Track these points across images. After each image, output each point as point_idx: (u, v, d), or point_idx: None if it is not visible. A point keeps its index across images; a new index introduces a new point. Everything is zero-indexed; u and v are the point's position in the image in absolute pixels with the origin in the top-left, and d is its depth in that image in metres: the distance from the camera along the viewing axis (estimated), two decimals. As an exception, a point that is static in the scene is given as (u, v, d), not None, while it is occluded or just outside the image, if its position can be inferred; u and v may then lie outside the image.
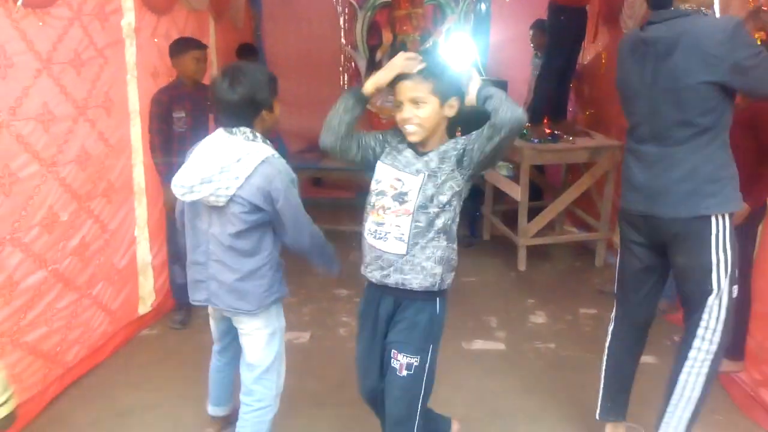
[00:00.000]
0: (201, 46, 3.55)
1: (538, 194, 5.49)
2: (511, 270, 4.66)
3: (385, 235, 2.02)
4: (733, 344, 3.08)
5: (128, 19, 3.17)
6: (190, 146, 3.15)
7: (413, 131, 2.00)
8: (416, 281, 2.02)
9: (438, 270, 2.02)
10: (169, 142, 3.44)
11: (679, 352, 2.41)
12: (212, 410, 2.65)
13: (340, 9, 6.41)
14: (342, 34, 6.48)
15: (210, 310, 2.42)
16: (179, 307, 3.69)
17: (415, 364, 2.09)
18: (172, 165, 3.32)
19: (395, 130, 2.10)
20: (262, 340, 2.31)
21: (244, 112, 2.10)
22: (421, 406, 2.17)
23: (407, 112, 1.98)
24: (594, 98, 5.38)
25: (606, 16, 4.99)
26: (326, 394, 3.02)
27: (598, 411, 2.65)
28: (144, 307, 3.53)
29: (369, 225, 2.08)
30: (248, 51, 4.94)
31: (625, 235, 2.49)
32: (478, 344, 3.58)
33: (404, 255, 2.00)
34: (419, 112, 1.97)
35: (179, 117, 3.46)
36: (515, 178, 4.97)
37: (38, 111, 2.58)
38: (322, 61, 6.41)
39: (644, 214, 2.33)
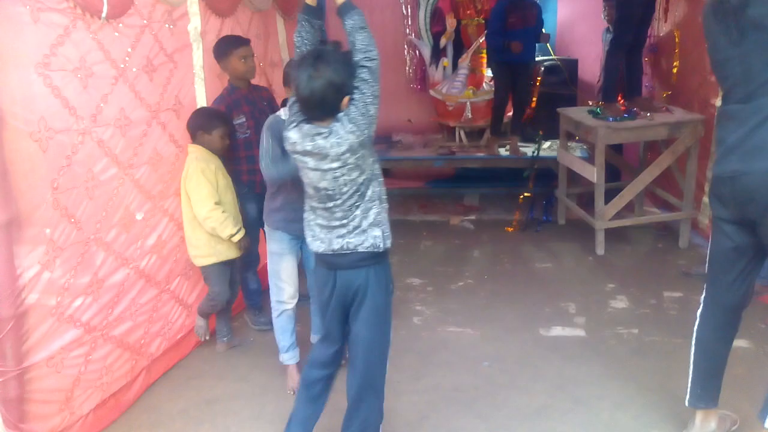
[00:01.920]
0: (244, 43, 3.38)
1: (615, 175, 5.29)
2: (588, 254, 4.51)
3: None
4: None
5: (194, 23, 3.26)
6: (258, 150, 3.20)
7: None
8: None
9: None
10: (236, 150, 3.40)
11: None
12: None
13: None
14: (405, 23, 6.47)
15: None
16: (257, 310, 3.70)
17: None
18: (244, 172, 3.39)
19: None
20: None
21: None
22: None
23: None
24: (672, 71, 5.10)
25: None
26: (403, 382, 3.03)
27: (687, 397, 2.53)
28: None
29: None
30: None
31: (715, 212, 2.36)
32: (557, 331, 3.49)
33: None
34: None
35: (240, 123, 3.37)
36: (590, 158, 4.81)
37: (116, 117, 2.71)
38: (386, 52, 6.36)
39: (738, 173, 2.18)
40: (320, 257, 2.31)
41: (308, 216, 2.30)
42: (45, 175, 2.35)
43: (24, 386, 2.33)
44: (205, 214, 3.02)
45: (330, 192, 2.14)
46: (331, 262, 2.26)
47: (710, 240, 2.45)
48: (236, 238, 3.11)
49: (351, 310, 2.30)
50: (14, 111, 2.19)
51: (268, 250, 3.01)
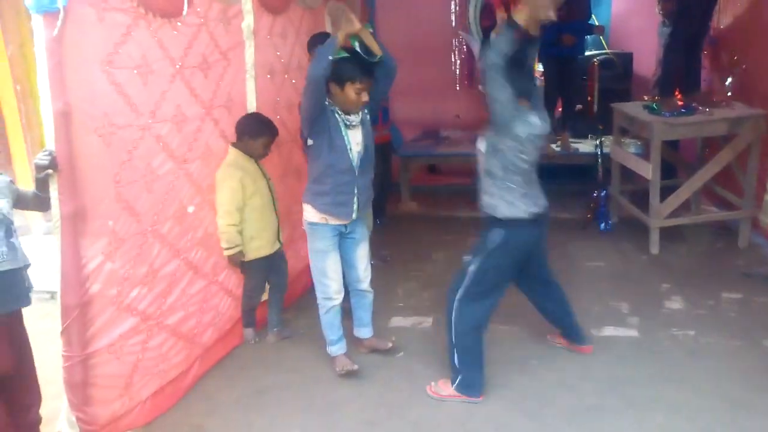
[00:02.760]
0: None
1: (671, 172, 5.13)
2: (642, 253, 4.40)
3: None
4: None
5: (248, 21, 3.31)
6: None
7: None
8: None
9: None
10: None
11: None
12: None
13: (454, -4, 6.35)
14: (454, 18, 6.42)
15: None
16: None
17: None
18: None
19: None
20: None
21: None
22: None
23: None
24: (734, 65, 4.91)
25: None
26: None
27: None
28: (266, 294, 3.65)
29: None
30: None
31: None
32: (609, 331, 3.42)
33: None
34: None
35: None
36: (644, 155, 4.68)
37: (173, 113, 2.80)
38: (435, 48, 6.39)
39: None
40: (533, 218, 2.70)
41: (512, 189, 2.65)
42: (108, 169, 2.44)
43: (88, 371, 2.44)
44: (217, 218, 3.13)
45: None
46: (543, 218, 2.78)
47: None
48: (227, 253, 3.17)
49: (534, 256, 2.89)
50: (81, 107, 2.29)
51: (310, 248, 3.08)
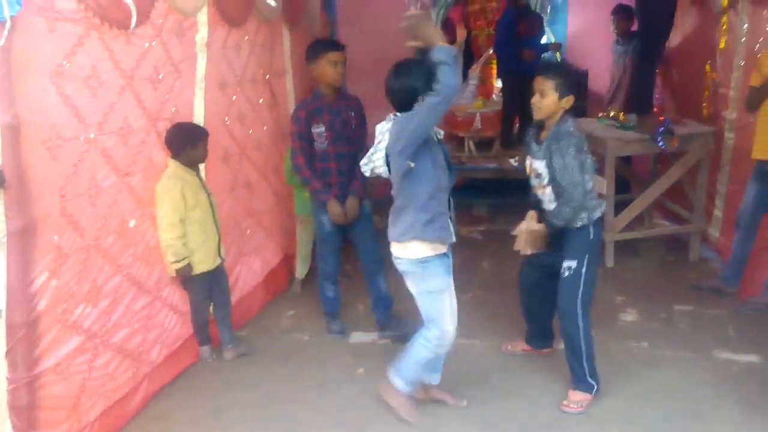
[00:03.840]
0: (338, 48, 3.27)
1: (625, 187, 5.26)
2: (598, 267, 4.47)
3: None
4: None
5: (202, 33, 3.24)
6: (336, 163, 3.32)
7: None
8: None
9: None
10: (312, 161, 3.32)
11: None
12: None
13: (412, 8, 6.40)
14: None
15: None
16: (332, 318, 3.69)
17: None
18: (321, 184, 3.34)
19: None
20: None
21: (406, 98, 2.55)
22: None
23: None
24: (682, 83, 5.10)
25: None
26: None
27: None
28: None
29: None
30: None
31: None
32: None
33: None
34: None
35: (318, 132, 3.27)
36: (599, 170, 4.79)
37: (120, 125, 2.73)
38: (395, 61, 6.42)
39: None
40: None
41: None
42: (55, 182, 2.37)
43: (34, 393, 2.33)
44: (159, 232, 3.03)
45: None
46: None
47: None
48: (175, 266, 3.07)
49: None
50: (30, 119, 2.21)
51: (421, 290, 2.71)
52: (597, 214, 2.87)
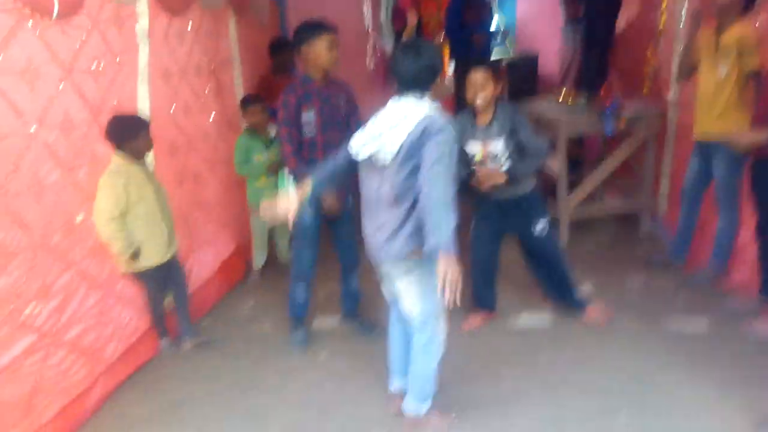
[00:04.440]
0: (333, 30, 3.04)
1: (578, 166, 5.38)
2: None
3: None
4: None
5: (142, 23, 3.17)
6: (324, 154, 2.95)
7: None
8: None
9: None
10: (300, 151, 3.08)
11: None
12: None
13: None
14: (367, 20, 6.47)
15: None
16: (298, 324, 3.44)
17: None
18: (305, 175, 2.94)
19: None
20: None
21: (424, 79, 2.35)
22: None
23: None
24: (628, 65, 5.22)
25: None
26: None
27: None
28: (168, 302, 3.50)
29: None
30: (282, 44, 4.73)
31: None
32: (524, 320, 3.54)
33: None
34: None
35: (307, 121, 3.05)
36: (552, 150, 4.88)
37: (61, 119, 2.65)
38: (348, 49, 6.37)
39: None
40: None
41: None
42: (-5, 180, 2.29)
43: (-16, 395, 2.28)
44: (98, 227, 2.90)
45: None
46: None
47: None
48: (120, 260, 3.01)
49: None
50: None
51: (426, 288, 2.44)
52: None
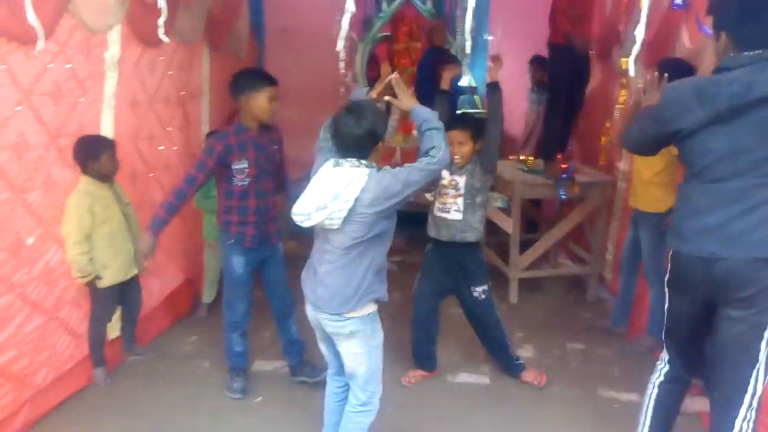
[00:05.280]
0: (274, 83, 3.03)
1: (534, 227, 5.51)
2: (502, 302, 4.62)
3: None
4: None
5: (112, 51, 3.21)
6: (255, 201, 3.05)
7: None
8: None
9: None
10: (229, 198, 3.08)
11: None
12: None
13: (341, 43, 6.53)
14: (342, 66, 6.61)
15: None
16: (236, 374, 3.35)
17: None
18: (234, 223, 3.08)
19: None
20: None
21: (365, 144, 2.33)
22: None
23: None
24: (588, 134, 5.43)
25: (599, 53, 5.07)
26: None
27: None
28: (114, 331, 3.49)
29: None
30: None
31: (677, 292, 2.40)
32: (463, 377, 3.57)
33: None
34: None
35: (240, 168, 3.01)
36: (509, 210, 5.01)
37: (15, 140, 2.65)
38: (322, 92, 6.51)
39: (716, 256, 2.15)
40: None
41: None
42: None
43: None
44: (66, 246, 2.98)
45: None
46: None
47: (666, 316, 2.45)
48: (81, 282, 3.06)
49: None
50: None
51: (370, 346, 2.48)
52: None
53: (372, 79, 6.30)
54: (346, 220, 2.26)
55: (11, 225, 2.68)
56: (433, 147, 2.35)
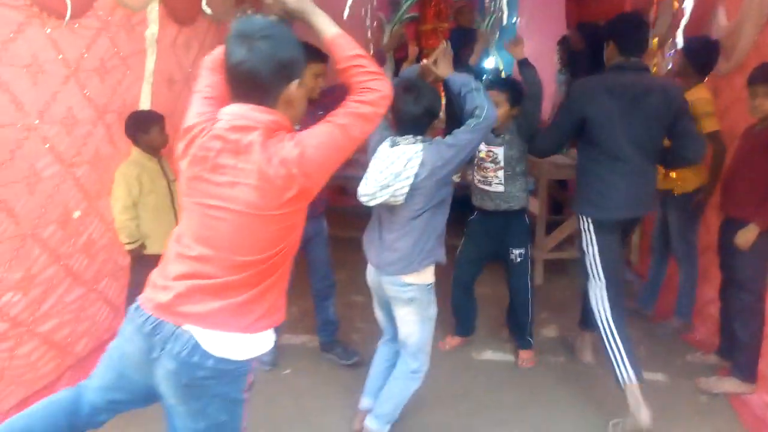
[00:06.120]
0: (324, 58, 2.78)
1: (559, 209, 5.49)
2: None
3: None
4: (747, 365, 3.07)
5: (152, 29, 3.29)
6: None
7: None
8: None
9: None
10: None
11: None
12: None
13: (368, 22, 6.55)
14: (370, 47, 6.62)
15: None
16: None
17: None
18: None
19: None
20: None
21: (423, 121, 2.42)
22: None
23: None
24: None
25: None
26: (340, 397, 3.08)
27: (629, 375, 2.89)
28: None
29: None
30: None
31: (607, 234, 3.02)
32: (488, 355, 3.62)
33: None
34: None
35: None
36: (534, 192, 5.00)
37: (63, 115, 2.73)
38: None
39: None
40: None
41: None
42: (-13, 167, 2.35)
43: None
44: (114, 213, 3.11)
45: None
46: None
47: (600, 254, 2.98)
48: (127, 248, 3.15)
49: None
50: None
51: (424, 317, 2.59)
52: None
53: (399, 60, 6.29)
54: (409, 194, 2.37)
55: (61, 198, 2.77)
56: (476, 107, 2.41)
